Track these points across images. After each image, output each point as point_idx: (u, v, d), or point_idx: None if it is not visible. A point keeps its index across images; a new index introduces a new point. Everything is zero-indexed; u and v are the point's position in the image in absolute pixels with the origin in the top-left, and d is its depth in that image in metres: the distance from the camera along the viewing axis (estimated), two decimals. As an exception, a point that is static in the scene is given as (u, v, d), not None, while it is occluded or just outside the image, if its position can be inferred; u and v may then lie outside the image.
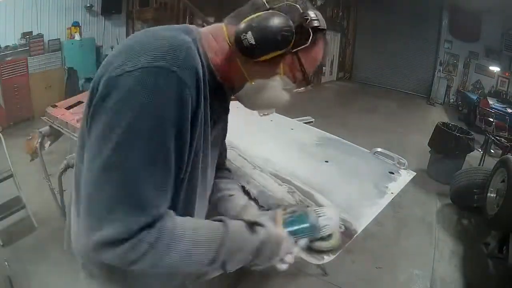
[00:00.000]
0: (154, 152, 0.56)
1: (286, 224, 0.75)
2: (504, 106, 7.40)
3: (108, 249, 0.55)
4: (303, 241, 0.78)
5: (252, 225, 0.71)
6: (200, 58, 0.63)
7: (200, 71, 0.61)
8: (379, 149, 1.63)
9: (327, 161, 1.53)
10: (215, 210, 0.90)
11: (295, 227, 0.76)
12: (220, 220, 0.69)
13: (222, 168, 0.97)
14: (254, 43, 0.62)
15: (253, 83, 0.69)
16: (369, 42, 11.97)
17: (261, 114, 0.83)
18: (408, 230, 2.98)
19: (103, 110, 0.56)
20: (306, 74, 0.70)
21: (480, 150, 4.69)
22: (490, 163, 3.87)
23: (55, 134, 2.20)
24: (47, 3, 5.24)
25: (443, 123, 4.34)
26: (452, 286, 2.35)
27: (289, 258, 0.75)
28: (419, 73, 10.89)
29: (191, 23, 7.46)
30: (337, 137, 1.85)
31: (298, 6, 0.66)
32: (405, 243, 2.78)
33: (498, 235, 2.65)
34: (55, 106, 2.31)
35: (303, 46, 0.66)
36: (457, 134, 3.93)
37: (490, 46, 8.88)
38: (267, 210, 0.87)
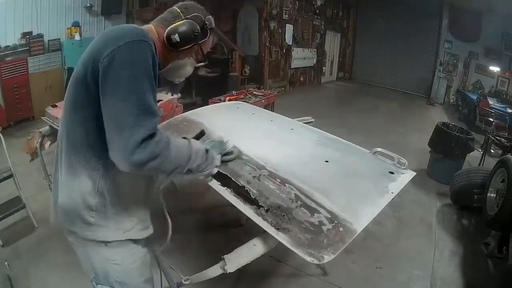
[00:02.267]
0: (149, 82, 0.89)
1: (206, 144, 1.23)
2: (504, 106, 7.40)
3: (141, 148, 0.84)
4: (219, 156, 1.25)
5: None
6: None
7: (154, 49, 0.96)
8: (379, 149, 1.63)
9: (327, 161, 1.53)
10: None
11: (212, 143, 1.27)
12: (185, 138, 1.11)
13: None
14: (178, 40, 1.03)
15: (172, 63, 1.10)
16: (369, 42, 11.98)
17: (177, 81, 1.20)
18: (408, 230, 2.98)
19: (112, 68, 0.86)
20: (204, 56, 1.14)
21: (480, 150, 4.69)
22: (490, 163, 3.87)
23: (55, 134, 2.20)
24: (47, 3, 5.24)
25: (443, 123, 4.34)
26: (452, 286, 2.34)
27: (215, 170, 1.21)
28: (419, 73, 10.90)
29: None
30: (337, 137, 1.85)
31: (201, 15, 1.09)
32: (405, 243, 2.78)
33: (498, 235, 2.65)
34: (55, 106, 2.31)
35: (204, 40, 1.11)
36: (457, 134, 3.93)
37: (490, 46, 8.88)
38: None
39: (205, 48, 1.13)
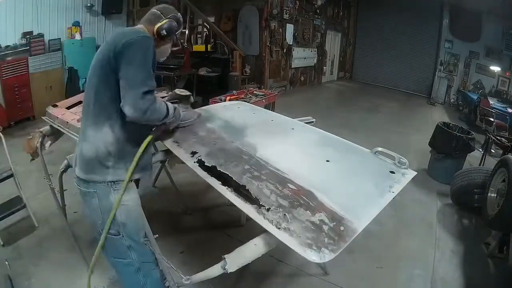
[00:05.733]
0: (151, 62, 1.31)
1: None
2: (505, 106, 7.40)
3: (145, 99, 1.24)
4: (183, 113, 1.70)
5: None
6: None
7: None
8: (379, 149, 1.62)
9: (328, 161, 1.53)
10: None
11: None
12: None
13: None
14: (166, 33, 1.47)
15: (159, 48, 1.51)
16: (369, 42, 11.98)
17: (161, 60, 1.56)
18: (408, 230, 2.98)
19: (131, 49, 1.27)
20: (178, 42, 1.63)
21: (480, 150, 4.69)
22: (491, 163, 3.87)
23: (55, 134, 2.20)
24: (48, 3, 5.25)
25: (444, 123, 4.34)
26: (452, 285, 2.34)
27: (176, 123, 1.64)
28: (419, 73, 10.90)
29: (191, 23, 7.47)
30: (337, 137, 1.85)
31: (175, 14, 1.53)
32: (406, 243, 2.78)
33: (498, 235, 2.65)
34: (55, 106, 2.31)
35: (178, 31, 1.56)
36: (458, 134, 3.93)
37: (491, 45, 8.87)
38: None
39: (178, 36, 1.60)
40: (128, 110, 1.24)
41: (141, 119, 1.27)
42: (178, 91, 1.77)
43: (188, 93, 1.78)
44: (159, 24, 1.46)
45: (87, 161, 1.35)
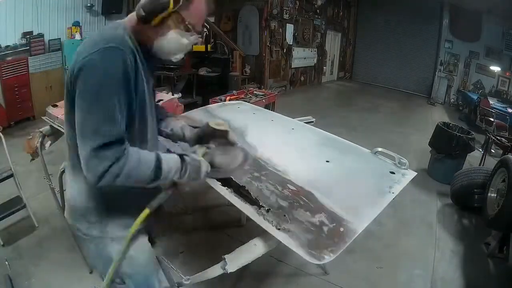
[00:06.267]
0: (116, 90, 0.87)
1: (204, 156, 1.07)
2: (505, 106, 7.40)
3: (101, 152, 0.84)
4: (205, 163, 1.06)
5: (181, 155, 1.02)
6: (131, 40, 0.96)
7: (134, 47, 0.95)
8: (379, 149, 1.62)
9: (328, 161, 1.53)
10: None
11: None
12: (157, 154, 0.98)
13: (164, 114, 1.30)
14: (144, 13, 0.93)
15: (157, 40, 0.99)
16: (369, 42, 11.97)
17: (175, 60, 1.07)
18: (408, 230, 2.98)
19: (82, 75, 0.87)
20: (192, 25, 0.99)
21: (480, 150, 4.68)
22: (491, 163, 3.87)
23: (55, 134, 2.20)
24: (48, 2, 5.24)
25: (444, 123, 4.34)
26: (452, 286, 2.34)
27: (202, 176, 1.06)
28: (419, 73, 10.89)
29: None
30: (337, 137, 1.85)
31: None
32: (406, 243, 2.78)
33: (498, 235, 2.65)
34: (55, 106, 2.30)
35: (179, 5, 0.93)
36: (458, 134, 3.93)
37: (491, 45, 8.87)
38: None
39: (191, 15, 0.97)
40: (84, 173, 0.87)
41: (103, 186, 0.87)
42: (213, 123, 1.13)
43: (227, 127, 1.13)
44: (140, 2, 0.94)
45: (70, 207, 1.07)
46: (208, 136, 1.14)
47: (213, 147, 1.10)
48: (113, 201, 1.03)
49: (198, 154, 1.05)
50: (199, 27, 1.01)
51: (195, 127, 1.23)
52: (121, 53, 0.88)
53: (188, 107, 3.54)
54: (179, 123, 1.26)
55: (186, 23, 0.97)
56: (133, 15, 0.99)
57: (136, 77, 0.94)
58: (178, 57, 1.06)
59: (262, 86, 7.56)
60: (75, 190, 1.04)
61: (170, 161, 0.97)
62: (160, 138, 1.27)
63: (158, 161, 0.94)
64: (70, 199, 1.07)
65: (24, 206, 2.51)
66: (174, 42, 0.99)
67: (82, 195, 1.02)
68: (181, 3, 0.93)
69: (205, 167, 1.03)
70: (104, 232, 1.05)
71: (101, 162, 0.84)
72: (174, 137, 1.26)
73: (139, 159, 0.91)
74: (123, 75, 0.88)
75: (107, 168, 0.84)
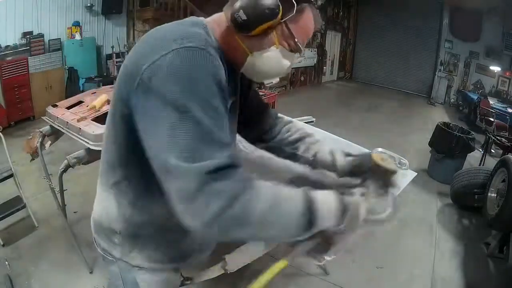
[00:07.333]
0: (207, 97, 0.63)
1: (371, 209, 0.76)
2: (505, 106, 7.41)
3: (218, 177, 0.59)
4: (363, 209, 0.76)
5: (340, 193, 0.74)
6: (218, 45, 0.73)
7: (220, 54, 0.70)
8: (380, 149, 1.62)
9: (327, 161, 1.52)
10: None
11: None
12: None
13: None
14: (246, 18, 0.68)
15: (252, 55, 0.75)
16: (369, 42, 11.98)
17: (268, 84, 0.86)
18: (408, 230, 2.98)
19: (152, 87, 0.62)
20: (297, 42, 0.76)
21: (480, 150, 4.69)
22: (491, 163, 3.87)
23: (55, 134, 2.20)
24: (48, 2, 5.24)
25: (444, 123, 4.34)
26: (452, 286, 2.34)
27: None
28: (419, 73, 10.90)
29: (191, 23, 7.44)
30: (338, 137, 1.85)
31: None
32: (406, 243, 2.78)
33: (498, 235, 2.65)
34: (55, 106, 2.31)
35: (289, 16, 0.71)
36: (458, 134, 3.93)
37: (491, 45, 8.87)
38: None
39: (297, 29, 0.75)
40: (180, 216, 0.62)
41: (211, 235, 0.71)
42: (378, 158, 0.85)
43: (395, 166, 0.88)
44: (237, 2, 0.69)
45: (95, 221, 0.93)
46: (364, 170, 0.86)
47: (370, 188, 0.81)
48: (141, 229, 0.85)
49: (356, 195, 0.76)
50: (303, 47, 0.78)
51: (347, 154, 0.95)
52: (208, 55, 0.65)
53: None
54: (325, 145, 0.97)
55: (295, 39, 0.75)
56: (220, 17, 0.78)
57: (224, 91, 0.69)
58: (273, 81, 0.84)
59: (262, 86, 7.56)
60: (101, 208, 0.89)
61: (328, 199, 0.70)
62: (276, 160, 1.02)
63: (309, 200, 0.67)
64: (95, 213, 0.92)
65: (24, 206, 2.51)
66: (275, 62, 0.76)
67: (108, 215, 0.86)
68: (293, 12, 0.71)
69: (363, 215, 0.74)
70: (125, 256, 0.88)
71: (210, 200, 0.58)
72: (317, 165, 0.96)
73: (274, 194, 0.68)
74: (215, 81, 0.65)
75: (219, 211, 0.58)
